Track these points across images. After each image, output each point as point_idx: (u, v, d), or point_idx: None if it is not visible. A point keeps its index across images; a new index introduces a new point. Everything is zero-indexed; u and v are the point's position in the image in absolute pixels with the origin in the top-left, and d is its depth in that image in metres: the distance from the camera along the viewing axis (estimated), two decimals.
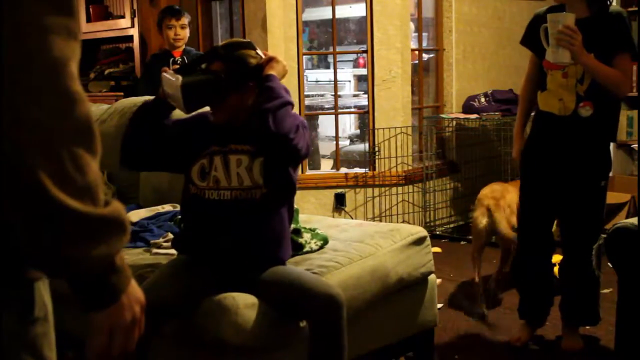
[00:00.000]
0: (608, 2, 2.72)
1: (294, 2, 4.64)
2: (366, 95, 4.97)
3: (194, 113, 2.24)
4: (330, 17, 4.90)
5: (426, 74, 5.27)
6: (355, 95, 6.48)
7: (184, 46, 4.29)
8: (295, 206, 2.32)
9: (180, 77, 2.06)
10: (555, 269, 3.07)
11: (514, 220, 3.30)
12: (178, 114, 2.20)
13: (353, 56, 6.83)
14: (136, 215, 2.95)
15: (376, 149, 4.78)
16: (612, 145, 4.51)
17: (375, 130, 4.76)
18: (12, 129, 0.86)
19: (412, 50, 4.92)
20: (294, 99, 4.58)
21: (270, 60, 2.16)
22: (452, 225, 5.03)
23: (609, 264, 2.62)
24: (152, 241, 2.65)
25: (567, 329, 2.94)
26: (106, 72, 5.27)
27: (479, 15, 5.28)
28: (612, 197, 4.37)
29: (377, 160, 4.80)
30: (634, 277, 2.39)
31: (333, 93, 5.06)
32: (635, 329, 2.40)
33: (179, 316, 2.11)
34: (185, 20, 4.27)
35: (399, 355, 2.75)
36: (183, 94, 2.04)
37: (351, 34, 6.76)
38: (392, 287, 2.51)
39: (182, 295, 2.08)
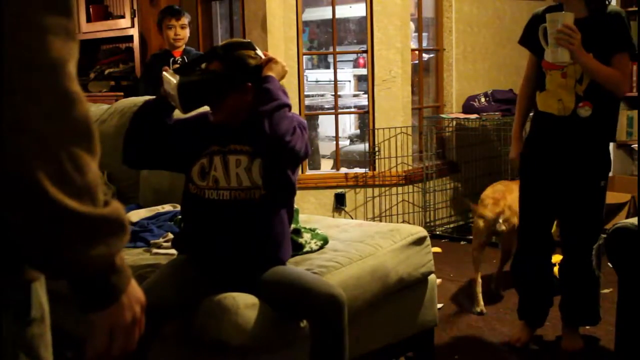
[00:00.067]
0: (606, 2, 2.72)
1: (294, 2, 4.64)
2: (366, 95, 4.97)
3: (195, 113, 2.25)
4: (330, 17, 4.90)
5: (426, 74, 5.27)
6: (355, 95, 6.48)
7: (184, 46, 4.29)
8: (295, 206, 2.32)
9: (178, 77, 2.07)
10: (555, 269, 3.07)
11: (515, 220, 3.30)
12: (180, 113, 2.20)
13: (353, 56, 6.84)
14: (136, 215, 2.95)
15: (376, 149, 4.78)
16: (612, 145, 4.52)
17: (375, 130, 4.76)
18: (11, 130, 0.86)
19: (412, 50, 4.92)
20: (294, 99, 4.59)
21: (269, 61, 2.15)
22: (452, 225, 5.03)
23: (609, 264, 2.62)
24: (152, 241, 2.66)
25: (567, 329, 2.94)
26: (106, 72, 5.27)
27: (479, 15, 5.28)
28: (612, 197, 4.37)
29: (377, 160, 4.80)
30: (634, 277, 2.39)
31: (333, 93, 5.06)
32: (635, 329, 2.40)
33: (179, 316, 2.11)
34: (185, 20, 4.28)
35: (399, 355, 2.75)
36: (179, 94, 2.05)
37: (351, 34, 6.76)
38: (392, 287, 2.51)
39: (182, 296, 2.08)
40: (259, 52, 2.18)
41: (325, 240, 2.54)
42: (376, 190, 4.80)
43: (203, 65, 2.19)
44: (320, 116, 5.81)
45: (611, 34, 2.67)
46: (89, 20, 5.34)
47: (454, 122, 5.10)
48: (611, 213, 4.36)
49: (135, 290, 1.03)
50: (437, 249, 4.13)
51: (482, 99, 4.91)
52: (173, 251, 2.43)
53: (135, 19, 5.01)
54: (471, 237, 4.68)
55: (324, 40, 6.95)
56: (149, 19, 4.94)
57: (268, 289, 2.11)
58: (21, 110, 0.86)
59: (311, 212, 4.54)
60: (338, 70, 5.11)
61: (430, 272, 2.71)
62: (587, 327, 3.01)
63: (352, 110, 5.83)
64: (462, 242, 4.71)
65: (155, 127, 2.16)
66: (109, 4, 5.44)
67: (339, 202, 4.78)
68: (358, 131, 6.48)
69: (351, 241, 2.55)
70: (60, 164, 0.87)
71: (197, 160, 2.18)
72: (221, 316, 2.04)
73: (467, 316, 3.34)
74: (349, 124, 6.76)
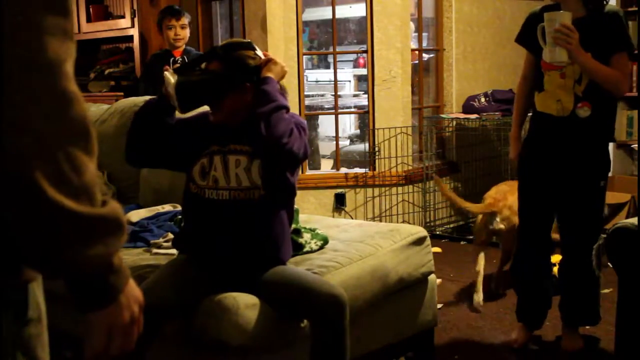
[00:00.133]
0: (604, 2, 2.72)
1: (294, 2, 4.64)
2: (366, 95, 4.97)
3: (196, 112, 2.25)
4: (330, 17, 4.90)
5: (426, 74, 5.27)
6: (355, 95, 6.48)
7: (184, 46, 4.29)
8: (296, 206, 2.32)
9: (176, 76, 2.07)
10: (555, 269, 3.07)
11: (515, 220, 3.30)
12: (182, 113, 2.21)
13: (353, 56, 6.84)
14: (136, 215, 2.95)
15: (376, 149, 4.78)
16: (612, 145, 4.52)
17: (375, 130, 4.76)
18: (9, 130, 0.86)
19: (412, 50, 4.92)
20: (294, 99, 4.59)
21: (269, 61, 2.15)
22: (452, 225, 5.03)
23: (609, 263, 2.62)
24: (152, 241, 2.66)
25: (567, 329, 2.94)
26: (106, 72, 5.27)
27: (479, 15, 5.28)
28: (612, 197, 4.37)
29: (377, 160, 4.80)
30: (634, 277, 2.38)
31: (333, 93, 5.06)
32: (635, 329, 2.40)
33: (179, 316, 2.11)
34: (185, 20, 4.28)
35: (399, 355, 2.75)
36: (177, 93, 2.05)
37: (351, 34, 6.76)
38: (392, 287, 2.51)
39: (182, 296, 2.08)
40: (259, 52, 2.18)
41: (325, 240, 2.54)
42: (376, 190, 4.80)
43: (203, 65, 2.19)
44: (320, 116, 5.81)
45: (609, 34, 2.67)
46: (89, 20, 5.34)
47: (454, 122, 5.10)
48: (611, 213, 4.35)
49: (134, 290, 1.03)
50: (437, 249, 4.13)
51: (482, 99, 4.91)
52: (173, 251, 2.43)
53: (135, 19, 5.01)
54: (471, 237, 4.72)
55: (324, 40, 6.95)
56: (149, 19, 4.94)
57: (268, 289, 2.11)
58: (19, 110, 0.86)
59: (311, 212, 4.54)
60: (338, 70, 5.11)
61: (430, 272, 2.71)
62: (587, 327, 3.01)
63: (352, 110, 5.83)
64: (462, 242, 4.71)
65: (157, 127, 2.16)
66: (109, 4, 5.45)
67: (339, 202, 4.78)
68: (358, 131, 6.48)
69: (351, 241, 2.55)
70: (57, 164, 0.87)
71: (197, 159, 2.18)
72: (221, 316, 2.04)
73: (467, 316, 3.34)
74: (349, 124, 6.76)
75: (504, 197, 3.52)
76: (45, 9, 0.87)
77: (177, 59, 4.21)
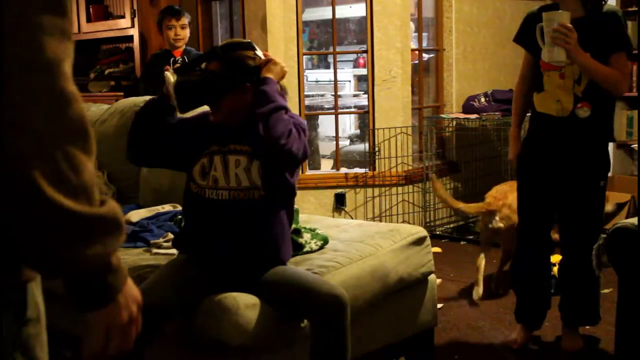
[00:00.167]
0: (602, 1, 2.71)
1: (294, 2, 4.64)
2: (366, 95, 4.97)
3: (197, 112, 2.25)
4: (330, 17, 4.90)
5: (426, 74, 5.27)
6: (355, 95, 6.48)
7: (184, 46, 4.29)
8: (296, 206, 2.32)
9: (176, 76, 2.07)
10: (555, 269, 3.07)
11: (514, 218, 3.31)
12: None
13: (353, 56, 6.84)
14: (136, 215, 2.95)
15: (376, 149, 4.78)
16: (612, 145, 4.51)
17: (375, 130, 4.76)
18: (9, 130, 0.86)
19: (412, 50, 4.92)
20: (294, 99, 4.59)
21: (268, 62, 2.15)
22: (452, 225, 5.03)
23: (609, 263, 2.61)
24: (152, 241, 2.65)
25: (567, 329, 2.94)
26: (106, 72, 5.27)
27: (479, 15, 5.28)
28: (612, 197, 4.37)
29: (377, 160, 4.80)
30: (634, 277, 2.38)
31: (333, 93, 5.06)
32: (635, 329, 2.40)
33: (179, 316, 2.11)
34: (185, 20, 4.28)
35: (399, 355, 2.75)
36: (176, 93, 2.05)
37: (351, 34, 6.76)
38: (392, 287, 2.51)
39: (181, 296, 2.08)
40: (259, 52, 2.18)
41: (325, 240, 2.54)
42: (376, 190, 4.80)
43: (203, 65, 2.19)
44: (320, 116, 5.81)
45: (608, 34, 2.67)
46: (89, 20, 5.34)
47: (454, 122, 5.10)
48: (611, 213, 4.35)
49: (132, 290, 1.03)
50: (437, 249, 4.13)
51: (482, 99, 4.91)
52: (173, 251, 2.43)
53: (135, 19, 5.01)
54: (471, 237, 4.74)
55: (324, 40, 6.94)
56: (149, 19, 4.94)
57: (269, 289, 2.11)
58: (21, 110, 0.86)
59: (311, 212, 4.54)
60: (338, 70, 5.11)
61: (430, 272, 2.71)
62: (587, 327, 3.01)
63: (352, 110, 5.83)
64: (462, 242, 4.71)
65: (157, 126, 2.17)
66: (109, 4, 5.45)
67: (339, 202, 4.78)
68: (358, 131, 6.48)
69: (351, 241, 2.55)
70: (56, 164, 0.87)
71: (198, 159, 2.18)
72: (221, 316, 2.04)
73: (467, 316, 3.34)
74: (349, 124, 6.76)
75: (504, 196, 3.54)
76: (43, 9, 0.88)
77: (177, 59, 4.21)
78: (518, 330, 3.01)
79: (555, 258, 3.13)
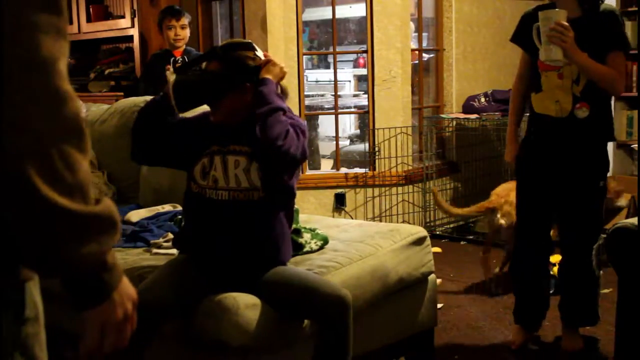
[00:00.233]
0: (599, 1, 2.71)
1: (294, 2, 4.64)
2: (366, 95, 4.97)
3: (199, 112, 2.25)
4: (330, 17, 4.90)
5: (426, 74, 5.27)
6: (355, 95, 6.48)
7: (184, 46, 4.29)
8: (296, 206, 2.31)
9: (175, 75, 2.08)
10: (555, 268, 3.07)
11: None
12: (186, 113, 2.21)
13: (353, 56, 6.83)
14: (136, 215, 2.95)
15: (376, 149, 4.78)
16: (612, 145, 4.52)
17: (375, 130, 4.76)
18: (7, 129, 0.86)
19: (412, 50, 4.92)
20: (294, 99, 4.59)
21: (267, 63, 2.15)
22: (452, 225, 5.03)
23: (609, 263, 2.62)
24: (152, 241, 2.65)
25: (567, 329, 2.94)
26: (106, 72, 5.26)
27: (479, 15, 5.28)
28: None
29: (377, 160, 4.80)
30: (634, 277, 2.38)
31: (333, 93, 5.06)
32: (635, 329, 2.40)
33: (178, 316, 2.11)
34: (186, 20, 4.28)
35: (399, 355, 2.75)
36: (174, 92, 2.06)
37: (351, 34, 6.76)
38: (392, 287, 2.51)
39: (180, 295, 2.08)
40: (259, 52, 2.18)
41: (325, 240, 2.54)
42: (376, 190, 4.80)
43: (203, 65, 2.19)
44: (320, 116, 5.81)
45: (605, 33, 2.66)
46: (89, 20, 5.34)
47: (454, 122, 5.10)
48: (611, 213, 4.35)
49: (127, 287, 1.03)
50: (437, 249, 4.13)
51: (482, 99, 4.91)
52: (173, 251, 2.43)
53: (135, 19, 5.01)
54: (471, 237, 4.74)
55: (324, 40, 6.94)
56: (149, 19, 4.94)
57: (270, 289, 2.11)
58: (21, 110, 0.86)
59: (311, 212, 4.54)
60: (338, 70, 5.11)
61: (430, 272, 2.71)
62: (587, 327, 3.01)
63: (352, 110, 5.83)
64: (462, 242, 4.71)
65: (158, 126, 2.17)
66: (109, 4, 5.44)
67: (339, 202, 4.78)
68: (358, 131, 6.48)
69: (351, 241, 2.55)
70: (51, 162, 0.88)
71: (199, 159, 2.18)
72: (221, 316, 2.04)
73: (467, 316, 3.34)
74: (349, 124, 6.76)
75: (507, 193, 3.56)
76: (39, 7, 0.88)
77: (177, 58, 4.21)
78: (516, 331, 3.01)
79: (555, 258, 3.13)
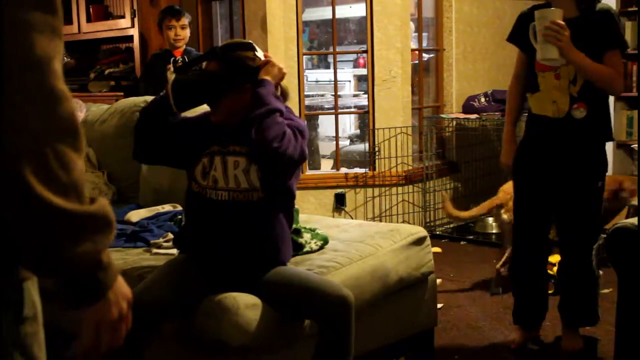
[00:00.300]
0: (596, 1, 2.71)
1: (294, 2, 4.64)
2: (366, 95, 4.97)
3: (200, 112, 2.25)
4: (330, 17, 4.90)
5: (426, 74, 5.27)
6: (355, 95, 6.47)
7: (184, 46, 4.29)
8: (296, 206, 2.31)
9: (174, 75, 2.08)
10: (555, 269, 3.07)
11: None
12: (188, 112, 2.21)
13: (353, 56, 6.83)
14: (136, 215, 2.95)
15: (376, 149, 4.78)
16: (612, 145, 4.51)
17: (375, 130, 4.76)
18: (8, 130, 0.86)
19: (412, 50, 4.92)
20: (294, 99, 4.59)
21: (266, 63, 2.14)
22: (452, 225, 5.03)
23: (609, 263, 2.62)
24: (152, 241, 2.65)
25: (567, 329, 2.94)
26: (106, 72, 5.26)
27: (479, 15, 5.28)
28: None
29: (377, 160, 4.80)
30: (634, 277, 2.38)
31: (333, 93, 5.05)
32: (635, 329, 2.40)
33: (178, 316, 2.11)
34: (186, 20, 4.28)
35: (399, 355, 2.75)
36: (173, 92, 2.06)
37: (351, 34, 6.76)
38: (392, 287, 2.51)
39: (180, 295, 2.08)
40: (259, 53, 2.18)
41: (325, 240, 2.54)
42: (376, 190, 4.80)
43: (203, 65, 2.19)
44: (320, 116, 5.81)
45: (602, 32, 2.66)
46: (89, 20, 5.34)
47: (454, 122, 5.10)
48: (611, 213, 4.35)
49: (122, 287, 1.03)
50: (437, 249, 4.13)
51: (482, 99, 4.91)
52: (173, 251, 2.43)
53: (135, 19, 5.01)
54: (471, 237, 4.74)
55: (324, 40, 6.94)
56: (149, 19, 4.94)
57: (270, 289, 2.11)
58: (20, 109, 0.86)
59: (311, 212, 4.54)
60: (338, 70, 5.11)
61: (430, 272, 2.71)
62: (587, 327, 3.01)
63: (352, 110, 5.83)
64: (462, 242, 4.71)
65: (159, 125, 2.17)
66: (109, 4, 5.44)
67: (339, 202, 4.78)
68: (358, 131, 6.48)
69: (351, 241, 2.55)
70: (46, 162, 0.88)
71: (199, 159, 2.18)
72: (221, 316, 2.04)
73: (467, 316, 3.34)
74: (349, 124, 6.76)
75: (512, 192, 3.56)
76: (32, 5, 0.88)
77: (177, 58, 4.21)
78: (515, 332, 3.01)
79: (555, 258, 3.13)
